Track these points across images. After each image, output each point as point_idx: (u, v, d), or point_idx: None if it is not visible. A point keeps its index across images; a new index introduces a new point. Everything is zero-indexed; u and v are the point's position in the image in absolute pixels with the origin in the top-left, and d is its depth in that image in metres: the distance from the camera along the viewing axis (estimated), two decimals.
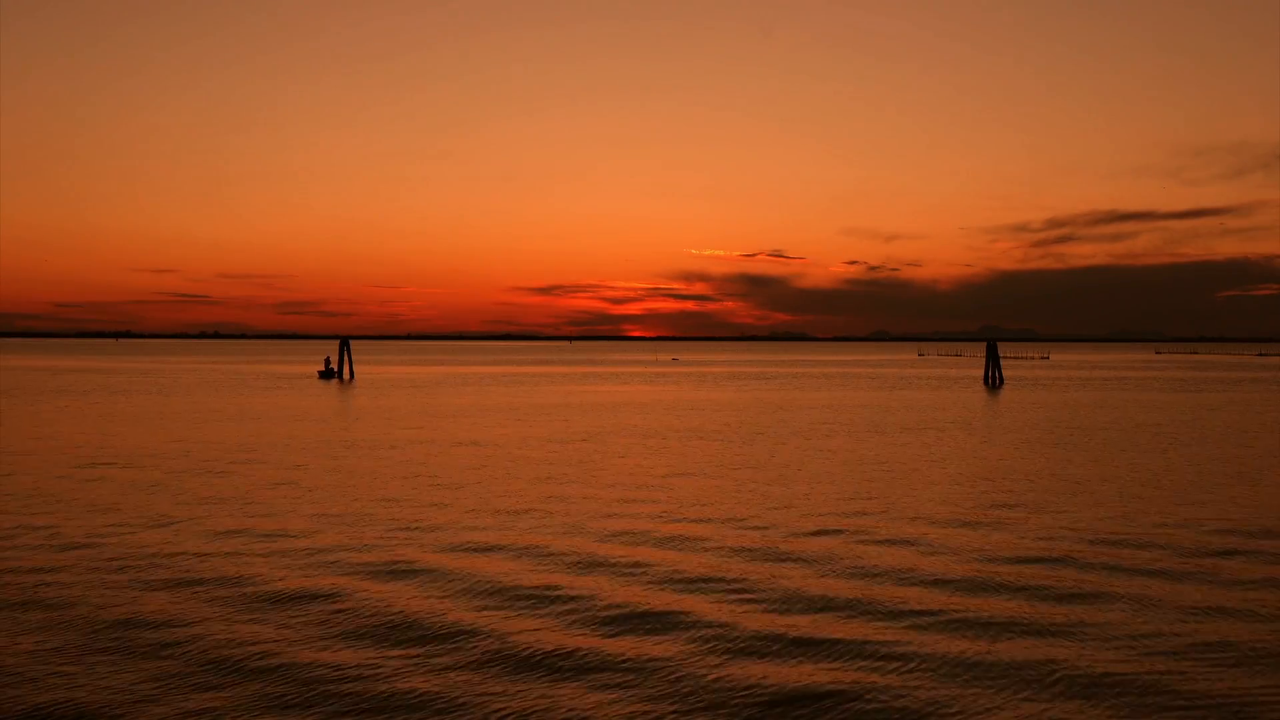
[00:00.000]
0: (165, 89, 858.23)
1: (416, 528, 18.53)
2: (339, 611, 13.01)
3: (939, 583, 14.56)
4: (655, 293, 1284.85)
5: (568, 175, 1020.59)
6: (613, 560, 15.98)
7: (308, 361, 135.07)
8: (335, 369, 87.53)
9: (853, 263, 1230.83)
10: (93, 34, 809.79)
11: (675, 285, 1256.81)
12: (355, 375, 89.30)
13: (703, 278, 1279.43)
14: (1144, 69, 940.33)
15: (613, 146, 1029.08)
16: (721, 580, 14.68)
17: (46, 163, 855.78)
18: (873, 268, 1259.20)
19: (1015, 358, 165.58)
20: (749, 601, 13.53)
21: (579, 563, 15.77)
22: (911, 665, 11.02)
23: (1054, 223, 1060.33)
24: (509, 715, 9.65)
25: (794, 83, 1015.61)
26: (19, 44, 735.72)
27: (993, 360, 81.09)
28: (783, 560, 15.95)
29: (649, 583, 14.55)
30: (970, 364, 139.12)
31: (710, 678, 10.65)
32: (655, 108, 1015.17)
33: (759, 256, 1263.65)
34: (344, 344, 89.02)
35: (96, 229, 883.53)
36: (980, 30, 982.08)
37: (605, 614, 12.94)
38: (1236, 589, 14.27)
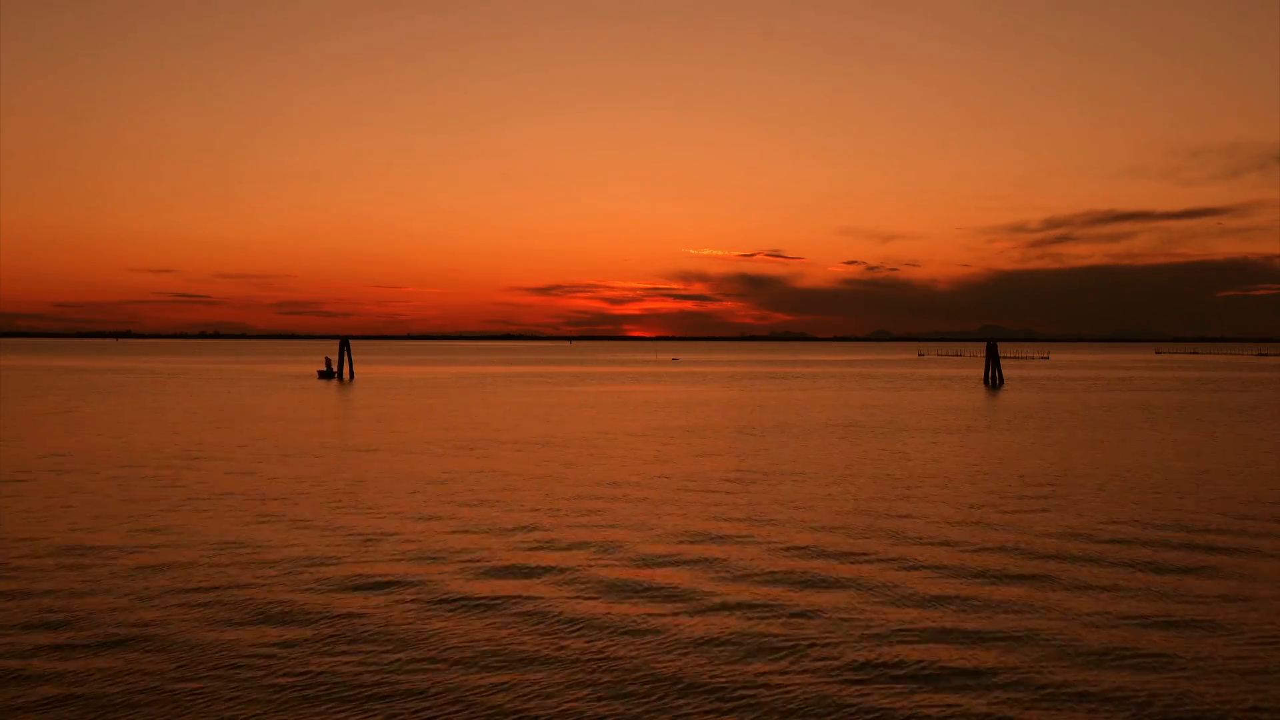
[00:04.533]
0: (177, 90, 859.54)
1: (470, 529, 18.45)
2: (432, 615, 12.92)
3: (959, 581, 14.52)
4: (654, 293, 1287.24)
5: (567, 176, 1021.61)
6: (660, 562, 15.92)
7: (307, 361, 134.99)
8: (335, 369, 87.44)
9: (851, 263, 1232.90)
10: (104, 35, 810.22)
11: (674, 285, 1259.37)
12: (355, 375, 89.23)
13: (701, 278, 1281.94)
14: (1139, 69, 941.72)
15: (611, 147, 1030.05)
16: (756, 577, 14.66)
17: (52, 163, 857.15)
18: (871, 268, 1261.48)
19: (1015, 358, 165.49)
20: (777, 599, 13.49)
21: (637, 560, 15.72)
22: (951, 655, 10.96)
23: (1051, 223, 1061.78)
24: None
25: (790, 84, 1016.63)
26: (28, 44, 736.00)
27: (993, 360, 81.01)
28: (818, 556, 15.94)
29: (710, 580, 14.50)
30: (970, 364, 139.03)
31: (764, 678, 10.58)
32: (653, 109, 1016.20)
33: (757, 256, 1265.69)
34: (344, 344, 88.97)
35: (97, 229, 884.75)
36: (976, 32, 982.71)
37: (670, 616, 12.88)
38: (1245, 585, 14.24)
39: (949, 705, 9.95)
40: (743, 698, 10.12)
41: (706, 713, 9.76)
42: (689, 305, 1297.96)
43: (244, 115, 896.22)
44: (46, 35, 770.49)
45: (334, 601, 13.49)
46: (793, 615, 12.92)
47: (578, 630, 12.30)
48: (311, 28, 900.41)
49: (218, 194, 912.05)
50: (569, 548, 16.89)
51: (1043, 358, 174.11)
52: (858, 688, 10.40)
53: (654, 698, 10.13)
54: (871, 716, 9.69)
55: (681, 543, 17.35)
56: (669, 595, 13.91)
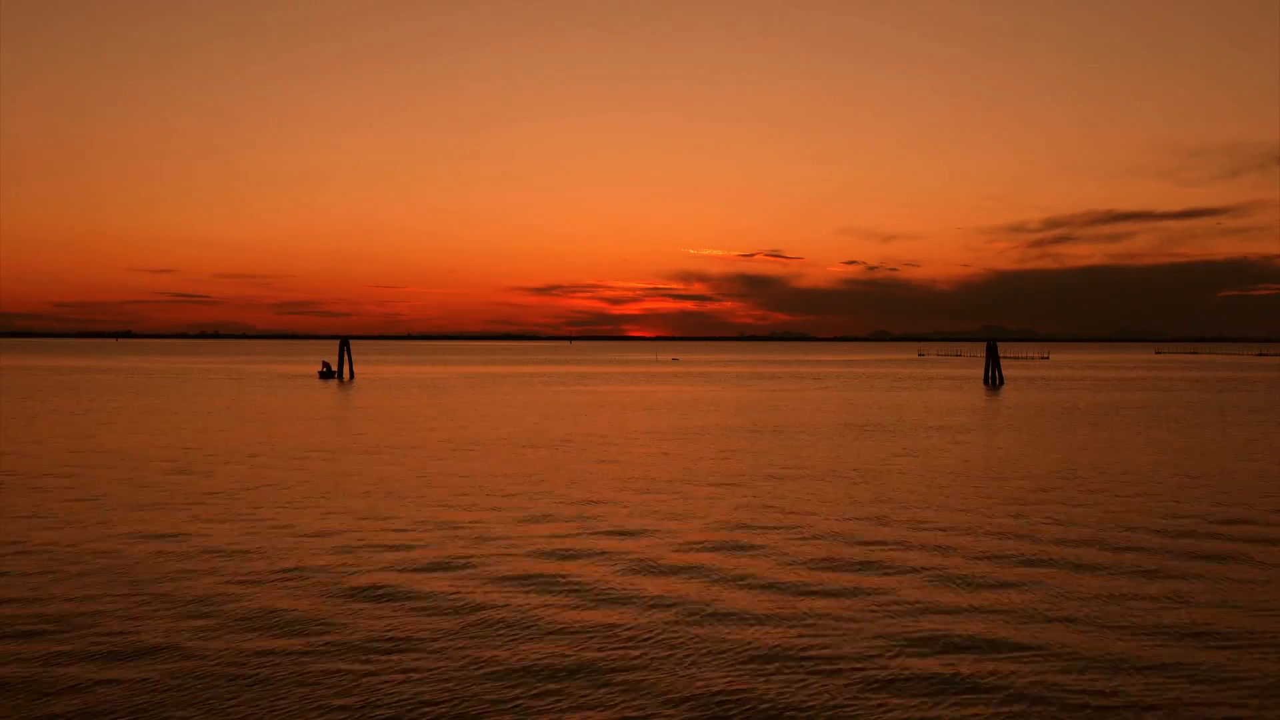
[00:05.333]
0: (178, 90, 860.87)
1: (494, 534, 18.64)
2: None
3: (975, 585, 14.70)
4: (654, 292, 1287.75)
5: (567, 176, 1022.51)
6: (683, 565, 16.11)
7: (309, 361, 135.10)
8: (335, 369, 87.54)
9: (851, 263, 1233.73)
10: (105, 35, 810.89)
11: (674, 285, 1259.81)
12: (355, 375, 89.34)
13: (701, 278, 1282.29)
14: (1138, 69, 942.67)
15: (611, 148, 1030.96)
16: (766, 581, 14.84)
17: (53, 163, 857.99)
18: (871, 268, 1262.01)
19: (1015, 358, 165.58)
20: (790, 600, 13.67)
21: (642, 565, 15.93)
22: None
23: (1051, 223, 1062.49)
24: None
25: (789, 85, 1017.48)
26: (29, 44, 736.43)
27: (993, 360, 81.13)
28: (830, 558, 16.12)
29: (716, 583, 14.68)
30: (970, 364, 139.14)
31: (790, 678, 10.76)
32: (652, 109, 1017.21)
33: (757, 256, 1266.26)
34: (344, 344, 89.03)
35: (97, 229, 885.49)
36: (974, 32, 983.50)
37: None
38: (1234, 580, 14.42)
39: (970, 695, 10.14)
40: (774, 687, 10.31)
41: (735, 701, 9.96)
42: (689, 305, 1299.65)
43: (245, 115, 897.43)
44: (47, 35, 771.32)
45: (385, 590, 13.92)
46: (827, 606, 13.14)
47: (619, 620, 12.51)
48: (313, 29, 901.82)
49: (219, 194, 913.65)
50: (608, 543, 17.18)
51: (1043, 358, 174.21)
52: (887, 676, 10.61)
53: (691, 686, 10.33)
54: (901, 705, 9.90)
55: (719, 538, 17.70)
56: (710, 588, 14.22)
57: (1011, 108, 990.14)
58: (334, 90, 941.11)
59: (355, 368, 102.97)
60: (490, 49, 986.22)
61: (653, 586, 14.36)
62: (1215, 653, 11.54)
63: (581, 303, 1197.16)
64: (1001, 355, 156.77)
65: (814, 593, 14.04)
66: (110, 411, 46.99)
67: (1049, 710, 9.84)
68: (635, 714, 9.72)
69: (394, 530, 18.28)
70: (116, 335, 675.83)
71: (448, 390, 68.21)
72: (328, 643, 11.76)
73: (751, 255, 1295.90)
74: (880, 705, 9.97)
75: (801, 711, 9.82)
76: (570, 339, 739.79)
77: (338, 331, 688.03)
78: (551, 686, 10.40)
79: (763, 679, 10.64)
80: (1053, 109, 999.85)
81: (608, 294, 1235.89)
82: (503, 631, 12.21)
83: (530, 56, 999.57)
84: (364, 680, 10.55)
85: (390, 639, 11.89)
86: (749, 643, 11.82)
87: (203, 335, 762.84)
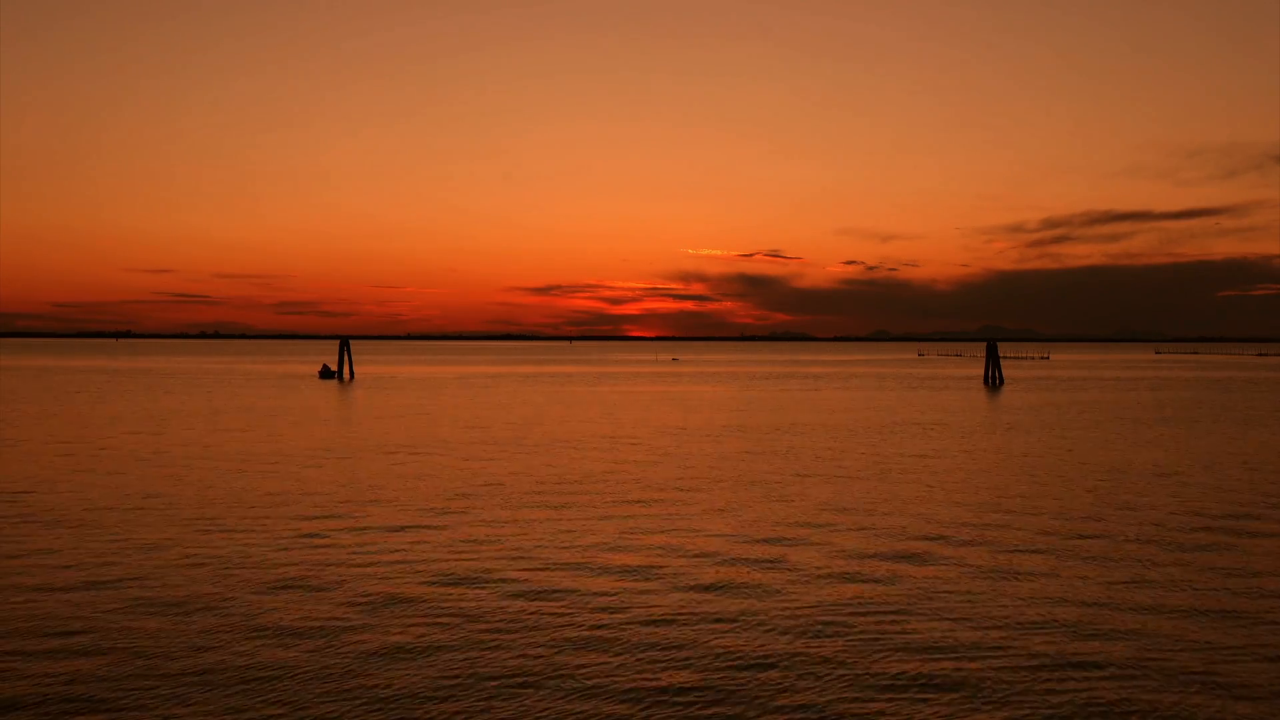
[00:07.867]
0: (182, 91, 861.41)
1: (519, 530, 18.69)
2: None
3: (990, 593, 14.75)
4: (653, 292, 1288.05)
5: (566, 176, 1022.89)
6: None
7: (311, 361, 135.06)
8: (335, 369, 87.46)
9: (850, 263, 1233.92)
10: (109, 35, 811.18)
11: (673, 285, 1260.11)
12: (355, 375, 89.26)
13: (700, 278, 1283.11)
14: (1135, 70, 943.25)
15: (611, 148, 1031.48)
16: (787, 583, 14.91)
17: (53, 163, 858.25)
18: (870, 268, 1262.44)
19: (1015, 358, 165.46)
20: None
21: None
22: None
23: (1050, 223, 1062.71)
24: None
25: (788, 86, 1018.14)
26: (31, 44, 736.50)
27: (993, 360, 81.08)
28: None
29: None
30: (970, 364, 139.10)
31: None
32: (652, 111, 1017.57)
33: (756, 256, 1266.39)
34: (344, 344, 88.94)
35: (97, 229, 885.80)
36: (973, 33, 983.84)
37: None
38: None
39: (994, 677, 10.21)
40: (809, 681, 10.40)
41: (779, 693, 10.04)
42: (688, 305, 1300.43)
43: (245, 117, 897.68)
44: (49, 35, 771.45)
45: (435, 593, 14.03)
46: (864, 601, 13.27)
47: (661, 617, 12.65)
48: (316, 31, 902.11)
49: (219, 194, 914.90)
50: (647, 546, 17.19)
51: (1042, 358, 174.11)
52: (919, 668, 10.70)
53: (730, 680, 10.43)
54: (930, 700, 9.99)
55: (761, 538, 17.89)
56: (757, 587, 14.38)
57: (1009, 108, 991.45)
58: (334, 92, 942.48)
59: (356, 368, 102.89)
60: (491, 52, 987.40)
61: (700, 584, 14.50)
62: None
63: (581, 303, 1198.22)
64: (1001, 355, 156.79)
65: (852, 584, 14.15)
66: (141, 412, 47.07)
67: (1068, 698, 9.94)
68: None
69: (467, 527, 18.37)
70: (116, 335, 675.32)
71: (466, 392, 68.07)
72: (330, 645, 11.84)
73: (751, 255, 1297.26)
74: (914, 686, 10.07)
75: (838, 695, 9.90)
76: (570, 339, 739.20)
77: (338, 331, 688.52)
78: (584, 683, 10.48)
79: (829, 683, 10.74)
80: (1051, 109, 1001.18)
81: (607, 294, 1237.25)
82: (557, 619, 12.32)
83: (531, 59, 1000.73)
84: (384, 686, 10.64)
85: (421, 647, 11.99)
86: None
87: (203, 335, 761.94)
